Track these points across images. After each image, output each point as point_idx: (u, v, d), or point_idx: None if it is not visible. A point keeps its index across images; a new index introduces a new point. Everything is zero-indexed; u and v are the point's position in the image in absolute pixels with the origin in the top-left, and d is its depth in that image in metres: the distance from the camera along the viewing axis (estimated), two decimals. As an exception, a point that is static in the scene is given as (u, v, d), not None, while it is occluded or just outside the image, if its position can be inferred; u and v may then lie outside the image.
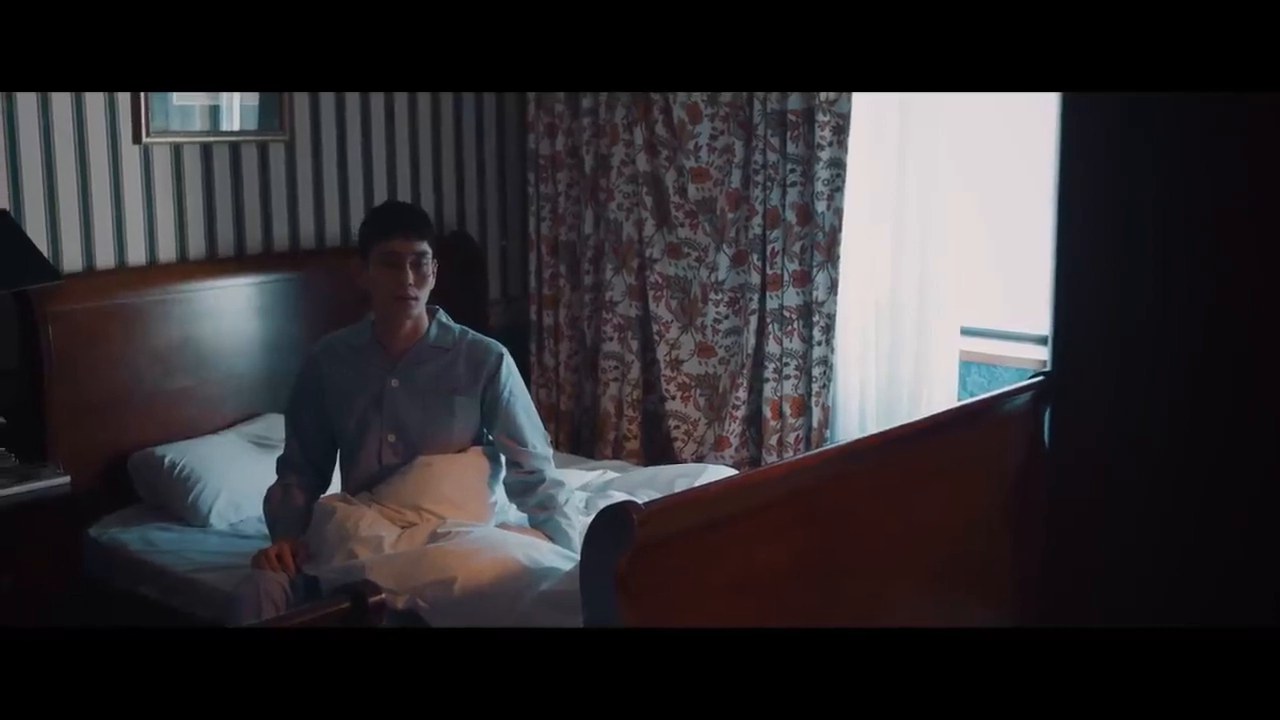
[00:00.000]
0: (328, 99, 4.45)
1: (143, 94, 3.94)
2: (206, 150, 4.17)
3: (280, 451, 3.44)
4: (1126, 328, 2.96)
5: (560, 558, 3.10)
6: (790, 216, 4.26)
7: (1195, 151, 2.83)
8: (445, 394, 3.30)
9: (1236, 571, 2.90)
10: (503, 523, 3.35)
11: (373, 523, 3.12)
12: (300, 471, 3.35)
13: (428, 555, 3.02)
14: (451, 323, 3.39)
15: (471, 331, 3.41)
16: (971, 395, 4.06)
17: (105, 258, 3.95)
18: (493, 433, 3.36)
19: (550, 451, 3.42)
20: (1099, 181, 2.98)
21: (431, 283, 3.28)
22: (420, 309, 3.29)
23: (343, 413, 3.31)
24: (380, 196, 4.64)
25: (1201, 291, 2.88)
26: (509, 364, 3.37)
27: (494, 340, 3.41)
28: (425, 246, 3.24)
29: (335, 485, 3.41)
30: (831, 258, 4.19)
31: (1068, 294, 3.07)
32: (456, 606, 2.90)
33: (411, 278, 3.21)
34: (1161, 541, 2.99)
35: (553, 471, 3.37)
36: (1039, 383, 3.14)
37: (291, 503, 3.29)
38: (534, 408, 3.45)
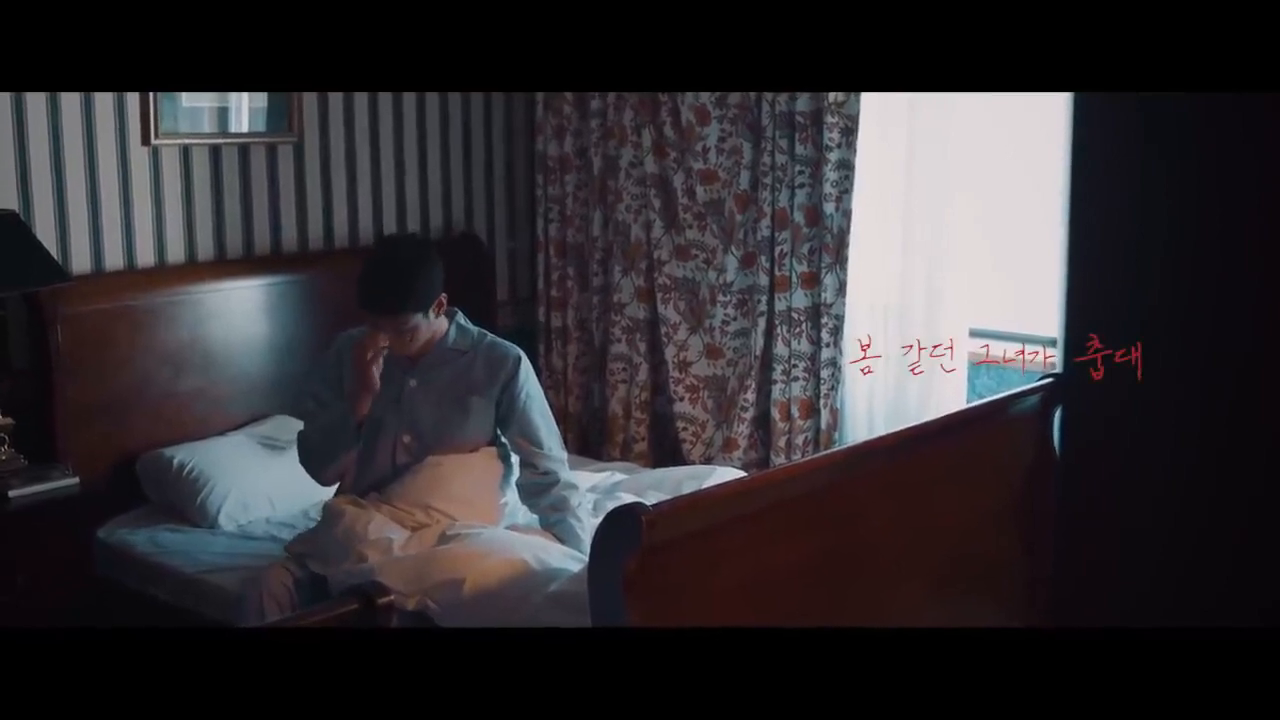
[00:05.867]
0: (336, 101, 4.46)
1: (151, 96, 3.95)
2: (215, 152, 4.17)
3: (291, 453, 3.43)
4: (1137, 329, 2.95)
5: (569, 559, 3.10)
6: (799, 218, 4.26)
7: (1207, 152, 2.82)
8: (461, 395, 3.30)
9: (1246, 572, 2.89)
10: (512, 524, 3.35)
11: (381, 525, 3.12)
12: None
13: (437, 557, 3.03)
14: (470, 325, 3.39)
15: (490, 334, 3.41)
16: (980, 397, 4.05)
17: (114, 259, 3.96)
18: (507, 434, 3.36)
19: (564, 455, 3.42)
20: (1109, 182, 2.98)
21: (424, 333, 3.24)
22: (416, 348, 3.27)
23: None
24: (389, 198, 4.64)
25: (1212, 293, 2.87)
26: (526, 367, 3.37)
27: (512, 344, 3.41)
28: (406, 319, 3.16)
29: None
30: (840, 259, 4.18)
31: (1078, 296, 3.07)
32: (466, 607, 2.90)
33: (392, 343, 3.18)
34: (1171, 542, 2.98)
35: (566, 474, 3.37)
36: (1048, 385, 3.14)
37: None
38: (549, 411, 3.44)
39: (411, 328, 3.19)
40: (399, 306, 3.15)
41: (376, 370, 3.15)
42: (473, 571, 2.96)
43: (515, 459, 3.39)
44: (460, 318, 3.37)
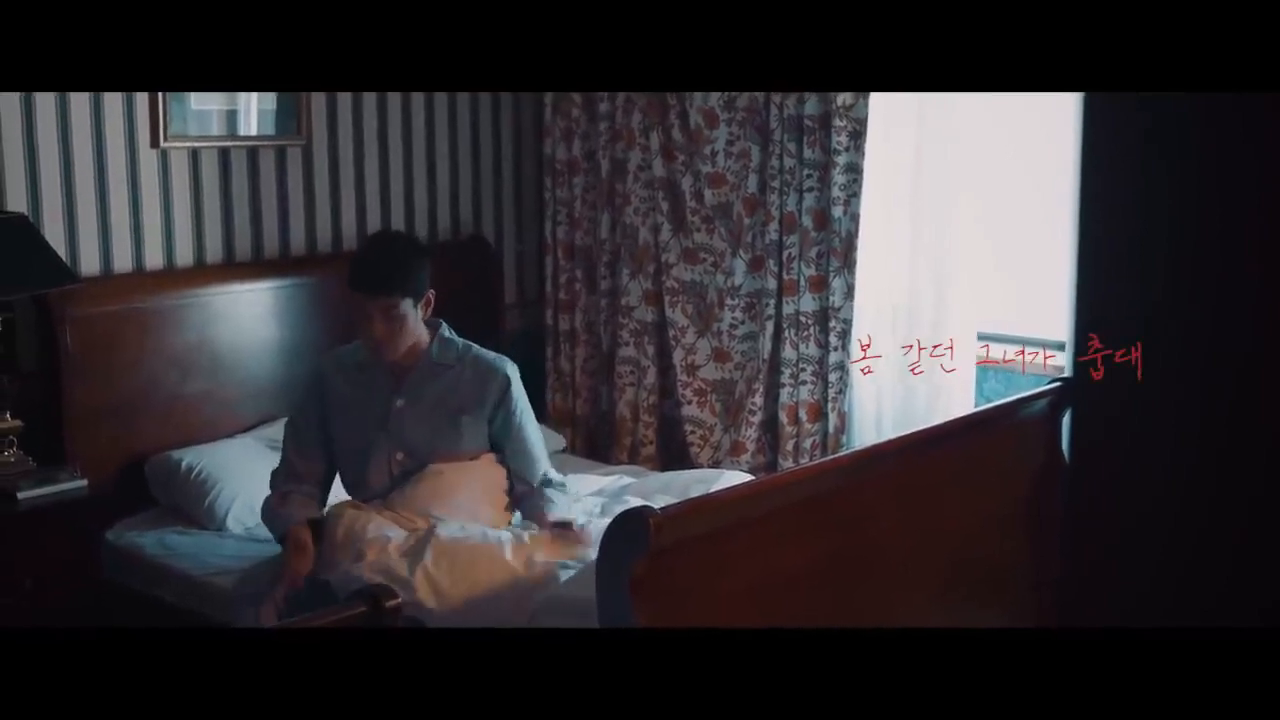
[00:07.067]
0: (344, 104, 4.46)
1: (160, 99, 3.96)
2: (224, 155, 4.18)
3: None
4: (1145, 330, 2.94)
5: (566, 562, 3.10)
6: (807, 221, 4.25)
7: (1218, 154, 2.81)
8: (451, 413, 3.27)
9: (1254, 574, 2.88)
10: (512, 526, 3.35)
11: (381, 526, 3.11)
12: (300, 481, 3.31)
13: (435, 557, 3.02)
14: (454, 337, 3.35)
15: (475, 346, 3.37)
16: (988, 401, 4.04)
17: (123, 262, 3.97)
18: (503, 451, 3.35)
19: (549, 463, 3.46)
20: (1120, 185, 2.97)
21: (411, 327, 3.21)
22: (403, 348, 3.23)
23: (349, 431, 3.29)
24: (397, 200, 4.65)
25: (1222, 296, 2.86)
26: (516, 383, 3.34)
27: (498, 357, 3.37)
28: (394, 301, 3.15)
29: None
30: (848, 263, 4.18)
31: (1087, 299, 3.06)
32: (464, 609, 2.90)
33: (379, 331, 3.16)
34: (1178, 546, 2.97)
35: (555, 475, 3.42)
36: (1056, 388, 3.13)
37: (293, 505, 3.24)
38: (536, 422, 3.45)
39: (400, 316, 3.16)
40: (391, 287, 3.14)
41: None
42: (472, 573, 2.98)
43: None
44: (444, 329, 3.34)
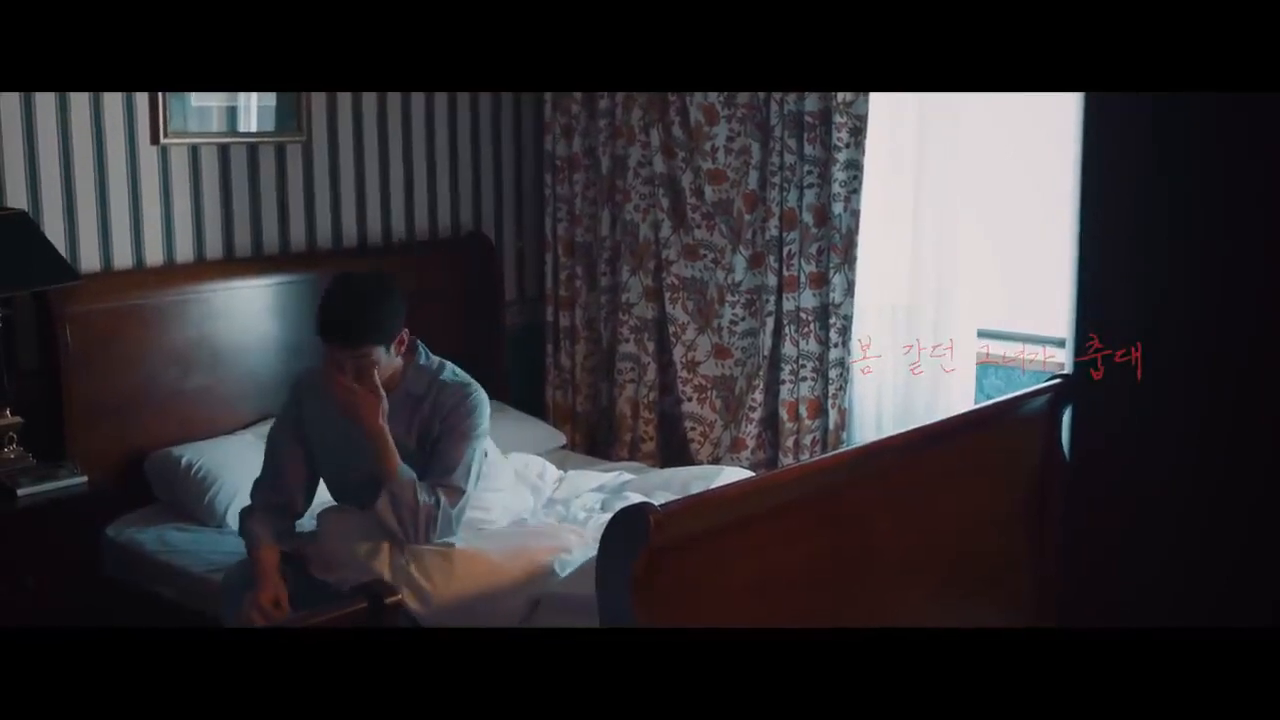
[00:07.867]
0: (345, 100, 4.46)
1: (160, 95, 3.95)
2: (224, 151, 4.17)
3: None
4: (1145, 329, 2.95)
5: (565, 559, 3.10)
6: (807, 218, 4.25)
7: (1218, 154, 2.82)
8: (420, 438, 3.18)
9: (1253, 574, 2.88)
10: (498, 527, 3.33)
11: (370, 528, 3.10)
12: (277, 491, 3.26)
13: (429, 556, 3.02)
14: (430, 361, 3.24)
15: (448, 368, 3.26)
16: (989, 398, 4.05)
17: (123, 258, 3.96)
18: (428, 457, 3.19)
19: (467, 489, 3.17)
20: (1120, 183, 2.97)
21: (384, 369, 3.08)
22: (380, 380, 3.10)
23: (327, 449, 3.23)
24: (397, 197, 4.65)
25: (1221, 294, 2.86)
26: (468, 406, 3.18)
27: (464, 383, 3.23)
28: (364, 351, 3.02)
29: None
30: (848, 259, 4.18)
31: (1087, 299, 3.06)
32: (455, 609, 2.90)
33: (354, 378, 3.04)
34: (1178, 545, 2.98)
35: (451, 488, 3.14)
36: (1057, 385, 3.12)
37: (260, 523, 3.18)
38: (480, 449, 3.22)
39: (368, 359, 3.04)
40: (359, 339, 3.02)
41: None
42: (465, 571, 2.99)
43: (497, 463, 3.37)
44: (420, 355, 3.23)
